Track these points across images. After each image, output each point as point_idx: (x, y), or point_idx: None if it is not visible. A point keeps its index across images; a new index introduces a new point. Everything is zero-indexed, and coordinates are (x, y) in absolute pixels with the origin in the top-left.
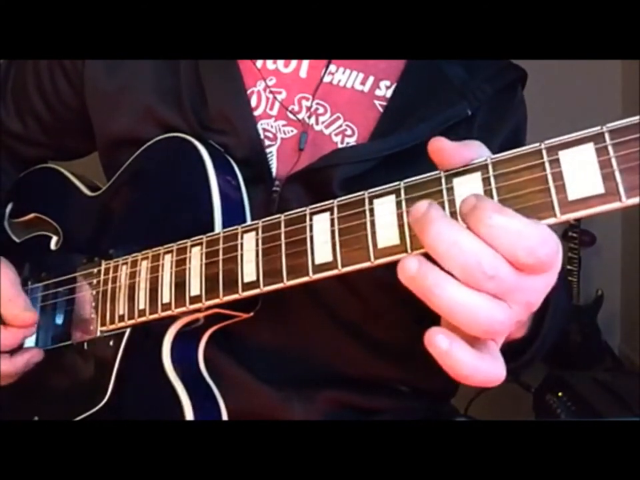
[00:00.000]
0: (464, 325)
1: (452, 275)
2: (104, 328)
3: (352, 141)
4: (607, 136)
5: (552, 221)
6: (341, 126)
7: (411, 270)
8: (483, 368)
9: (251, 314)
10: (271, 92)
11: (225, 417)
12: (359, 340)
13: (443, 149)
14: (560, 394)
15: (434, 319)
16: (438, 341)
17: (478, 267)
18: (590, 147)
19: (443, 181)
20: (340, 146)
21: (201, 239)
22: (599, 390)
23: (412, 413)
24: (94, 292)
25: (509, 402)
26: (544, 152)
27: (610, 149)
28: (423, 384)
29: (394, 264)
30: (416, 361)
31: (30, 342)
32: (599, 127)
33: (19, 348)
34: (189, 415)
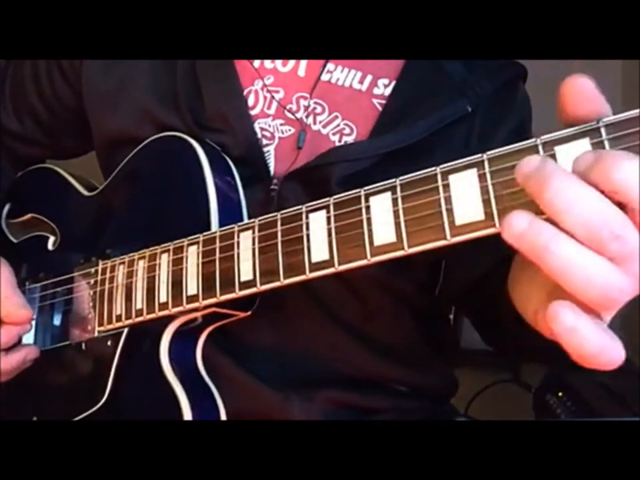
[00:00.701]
0: (580, 289)
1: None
2: (101, 328)
3: (350, 140)
4: (602, 131)
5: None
6: (338, 125)
7: (521, 226)
8: (609, 346)
9: (249, 313)
10: (268, 91)
11: (223, 416)
12: (358, 340)
13: (584, 90)
14: (560, 394)
15: (432, 318)
16: (563, 316)
17: (605, 226)
18: (586, 142)
19: (439, 177)
20: (338, 145)
21: (198, 238)
22: (599, 390)
23: (412, 413)
24: (91, 292)
25: (509, 402)
26: (540, 147)
27: (606, 143)
28: (423, 384)
29: (391, 262)
30: (416, 360)
31: (28, 342)
32: (594, 122)
33: (16, 345)
34: (187, 414)
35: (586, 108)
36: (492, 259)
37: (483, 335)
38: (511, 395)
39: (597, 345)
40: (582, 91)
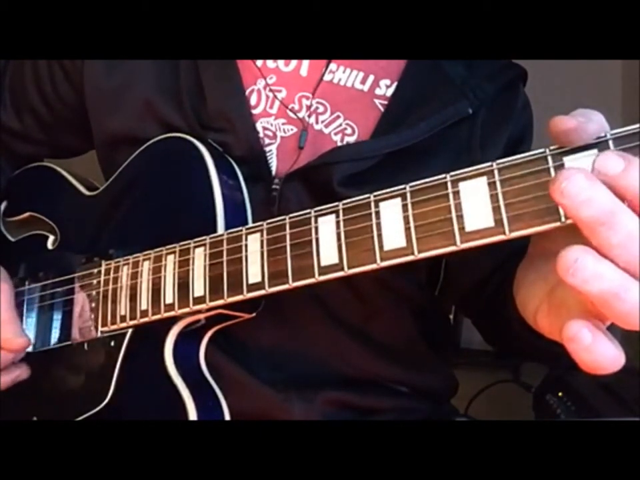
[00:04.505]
0: (622, 315)
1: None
2: (105, 328)
3: (352, 140)
4: (610, 143)
5: (557, 225)
6: (340, 125)
7: (570, 258)
8: (615, 356)
9: (254, 314)
10: (271, 90)
11: (227, 416)
12: (358, 340)
13: (568, 130)
14: (560, 394)
15: (432, 318)
16: (583, 336)
17: None
18: (594, 154)
19: (449, 185)
20: (339, 145)
21: (205, 240)
22: (599, 390)
23: (412, 412)
24: (94, 292)
25: (509, 402)
26: (549, 158)
27: None
28: (423, 384)
29: (397, 265)
30: (416, 361)
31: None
32: (603, 134)
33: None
34: (193, 414)
35: (577, 142)
36: (492, 261)
37: (484, 334)
38: (511, 395)
39: (607, 360)
40: (565, 131)
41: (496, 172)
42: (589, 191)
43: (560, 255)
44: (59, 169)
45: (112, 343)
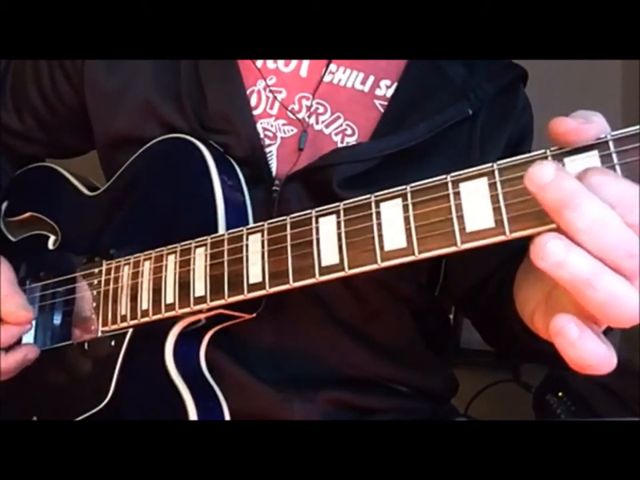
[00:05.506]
0: (596, 304)
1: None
2: (105, 328)
3: (352, 141)
4: (610, 144)
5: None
6: (341, 125)
7: (542, 241)
8: (605, 356)
9: (254, 315)
10: (271, 91)
11: (227, 416)
12: (358, 340)
13: (567, 132)
14: (560, 394)
15: (432, 318)
16: (567, 331)
17: (621, 244)
18: (594, 154)
19: (450, 185)
20: (340, 145)
21: (205, 240)
22: (599, 390)
23: (412, 412)
24: (95, 292)
25: (509, 402)
26: (550, 159)
27: (614, 156)
28: (423, 384)
29: (398, 266)
30: (416, 361)
31: (28, 341)
32: (603, 136)
33: (16, 344)
34: (193, 414)
35: (576, 143)
36: (493, 262)
37: (484, 335)
38: (511, 395)
39: (594, 358)
40: (565, 132)
41: (496, 172)
42: (553, 177)
43: (532, 240)
44: (60, 169)
45: (112, 343)
